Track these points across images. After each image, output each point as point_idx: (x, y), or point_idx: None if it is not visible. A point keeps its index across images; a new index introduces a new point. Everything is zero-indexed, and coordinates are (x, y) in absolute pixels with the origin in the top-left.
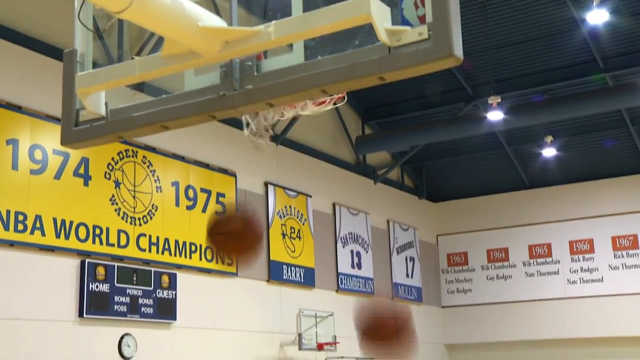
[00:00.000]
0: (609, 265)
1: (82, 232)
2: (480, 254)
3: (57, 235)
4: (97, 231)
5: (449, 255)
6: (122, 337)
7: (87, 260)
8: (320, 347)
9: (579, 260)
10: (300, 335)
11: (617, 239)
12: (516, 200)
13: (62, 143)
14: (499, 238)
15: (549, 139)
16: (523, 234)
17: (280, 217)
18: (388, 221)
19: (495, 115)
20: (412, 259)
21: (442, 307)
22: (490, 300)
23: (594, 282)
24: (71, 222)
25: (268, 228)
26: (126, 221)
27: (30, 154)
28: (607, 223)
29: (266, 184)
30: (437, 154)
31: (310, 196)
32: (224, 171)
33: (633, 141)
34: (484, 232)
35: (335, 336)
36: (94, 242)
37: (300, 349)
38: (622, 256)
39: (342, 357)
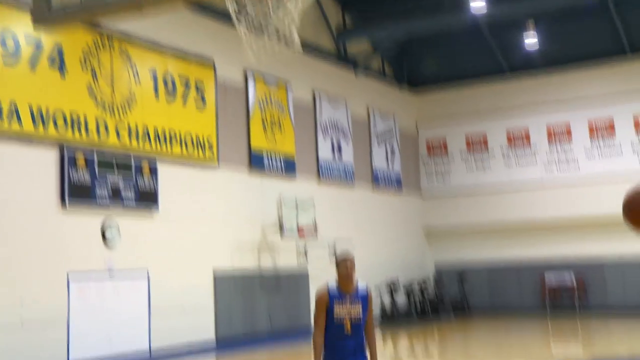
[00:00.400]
0: (585, 150)
1: (60, 121)
2: (459, 141)
3: (35, 124)
4: (75, 120)
5: (428, 142)
6: (105, 225)
7: (65, 149)
8: (301, 233)
9: (556, 146)
10: (281, 221)
11: (593, 122)
12: (495, 86)
13: (35, 25)
14: (478, 124)
15: (530, 26)
16: (501, 119)
17: (261, 107)
18: (368, 109)
19: (477, 3)
20: (392, 147)
21: (422, 194)
22: (469, 186)
23: (570, 168)
24: (48, 110)
25: (248, 118)
26: (105, 110)
27: (2, 41)
28: (583, 106)
29: (245, 72)
30: (419, 43)
31: (290, 84)
32: (202, 59)
33: (615, 26)
34: (463, 118)
35: (315, 222)
36: (72, 131)
37: (281, 235)
38: (598, 141)
39: (322, 241)
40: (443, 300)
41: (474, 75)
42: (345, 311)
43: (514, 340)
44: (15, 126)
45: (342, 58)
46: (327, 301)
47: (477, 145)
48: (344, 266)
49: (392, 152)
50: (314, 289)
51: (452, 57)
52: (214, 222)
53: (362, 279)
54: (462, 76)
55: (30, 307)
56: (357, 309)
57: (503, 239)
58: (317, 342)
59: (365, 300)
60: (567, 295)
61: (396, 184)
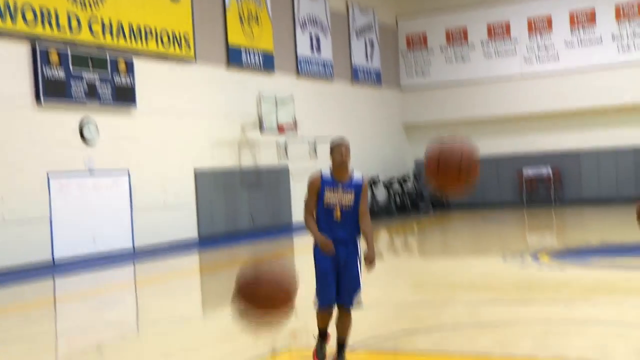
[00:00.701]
0: (565, 42)
1: (30, 15)
2: (439, 35)
3: (2, 17)
4: (46, 14)
5: (408, 37)
6: (82, 123)
7: (37, 43)
8: (280, 129)
9: (537, 38)
10: (260, 118)
11: (574, 13)
12: None
13: None
14: (458, 18)
15: None
16: (482, 13)
17: (237, 0)
18: (347, 3)
19: None
20: (371, 41)
21: (401, 88)
22: (449, 80)
23: (550, 59)
24: (16, 3)
25: (225, 12)
26: (75, 3)
27: None
28: None
29: None
30: None
31: None
32: None
33: None
34: (444, 12)
35: (295, 119)
36: (43, 26)
37: (261, 131)
38: (579, 32)
39: (302, 137)
40: (422, 196)
41: None
42: (336, 198)
43: (491, 233)
44: None
45: None
46: (319, 186)
47: (457, 38)
48: (339, 152)
49: (372, 46)
50: (295, 185)
51: None
52: (193, 119)
53: (357, 170)
54: None
55: (11, 206)
56: (348, 198)
57: (483, 133)
58: (310, 222)
59: (360, 189)
60: (543, 187)
61: (375, 78)
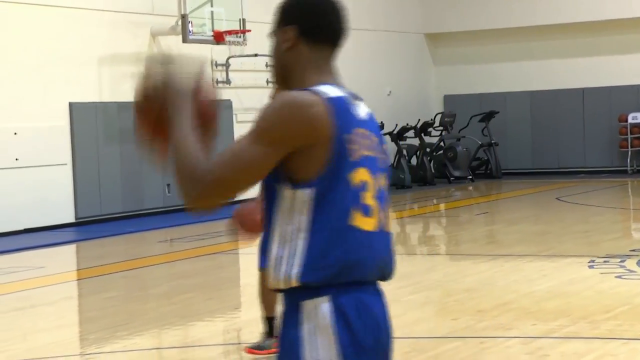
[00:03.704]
0: None
1: None
2: None
3: None
4: None
5: None
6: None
7: None
8: (218, 36)
9: None
10: (185, 18)
11: None
12: None
13: None
14: None
15: None
16: None
17: None
18: None
19: None
20: None
21: None
22: None
23: None
24: None
25: None
26: None
27: None
28: None
29: None
30: None
31: None
32: None
33: None
34: None
35: (243, 20)
36: None
37: (185, 40)
38: None
39: (256, 55)
40: (456, 156)
41: None
42: None
43: (568, 221)
44: None
45: None
46: None
47: None
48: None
49: None
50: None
51: None
52: (78, 14)
53: None
54: None
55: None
56: None
57: (546, 51)
58: None
59: None
60: None
61: None
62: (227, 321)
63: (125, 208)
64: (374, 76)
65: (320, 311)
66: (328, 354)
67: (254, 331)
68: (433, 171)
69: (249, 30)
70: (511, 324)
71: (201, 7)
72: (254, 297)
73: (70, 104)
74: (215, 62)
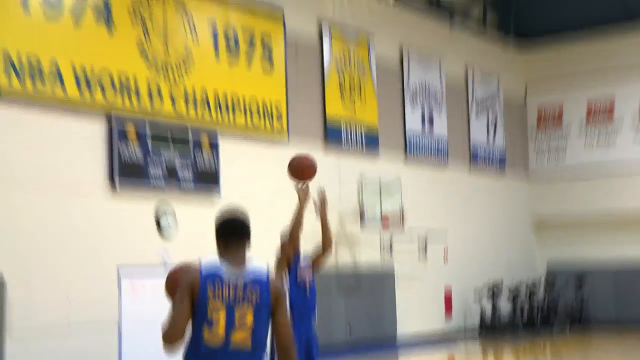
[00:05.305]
0: None
1: (108, 84)
2: (579, 108)
3: (79, 88)
4: (125, 83)
5: (539, 110)
6: (159, 212)
7: (114, 119)
8: (384, 222)
9: None
10: (362, 209)
11: None
12: (628, 38)
13: None
14: (605, 87)
15: None
16: (635, 79)
17: (338, 68)
18: (466, 70)
19: None
20: (494, 117)
21: (530, 176)
22: (590, 167)
23: None
24: (93, 70)
25: (323, 82)
26: (158, 72)
27: None
28: None
29: (320, 24)
30: None
31: (373, 38)
32: (270, 8)
33: None
34: (585, 79)
35: (402, 210)
36: (122, 97)
37: (362, 226)
38: None
39: (410, 232)
40: (556, 309)
41: (600, 24)
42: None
43: None
44: (58, 91)
45: (436, 6)
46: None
47: (602, 114)
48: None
49: (495, 123)
50: (401, 291)
51: (573, 0)
52: (282, 209)
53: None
54: (584, 25)
55: (78, 307)
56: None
57: (633, 233)
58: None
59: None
60: None
61: (499, 163)
62: None
63: None
64: (495, 250)
65: None
66: None
67: None
68: (539, 319)
69: (405, 219)
70: None
71: (373, 202)
72: None
73: None
74: (382, 239)
